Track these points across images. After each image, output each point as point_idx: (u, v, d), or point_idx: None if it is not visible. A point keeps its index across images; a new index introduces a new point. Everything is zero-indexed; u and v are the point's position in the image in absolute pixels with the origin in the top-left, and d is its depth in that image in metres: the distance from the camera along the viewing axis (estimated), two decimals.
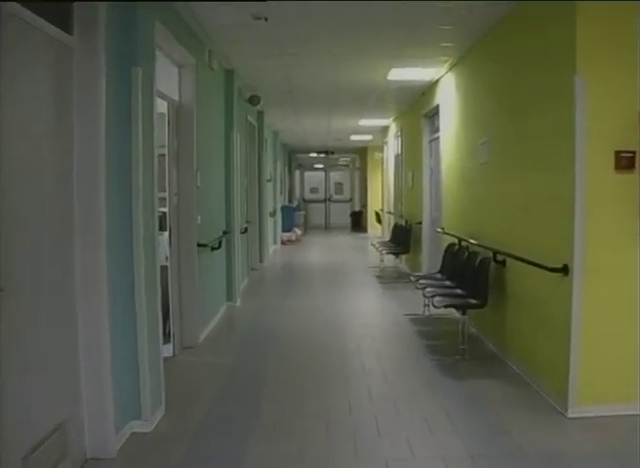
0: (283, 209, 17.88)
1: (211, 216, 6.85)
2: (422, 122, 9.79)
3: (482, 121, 6.41)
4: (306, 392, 4.78)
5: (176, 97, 5.81)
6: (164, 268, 5.45)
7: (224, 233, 7.48)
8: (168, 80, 5.51)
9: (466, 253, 6.47)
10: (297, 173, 25.35)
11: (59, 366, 3.27)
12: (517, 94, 5.24)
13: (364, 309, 8.25)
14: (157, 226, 4.34)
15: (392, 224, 13.22)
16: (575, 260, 4.05)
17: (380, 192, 17.63)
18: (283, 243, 17.00)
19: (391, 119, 13.72)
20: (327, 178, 25.72)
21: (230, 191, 7.88)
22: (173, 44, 5.17)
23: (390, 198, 14.57)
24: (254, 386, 4.93)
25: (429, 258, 9.47)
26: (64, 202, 3.37)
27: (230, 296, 7.97)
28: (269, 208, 13.72)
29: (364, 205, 22.69)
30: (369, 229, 20.89)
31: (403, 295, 8.63)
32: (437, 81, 8.55)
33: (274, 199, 15.35)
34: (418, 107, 10.20)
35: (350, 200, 25.20)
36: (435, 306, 5.66)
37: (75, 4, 3.39)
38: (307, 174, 25.82)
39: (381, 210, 17.27)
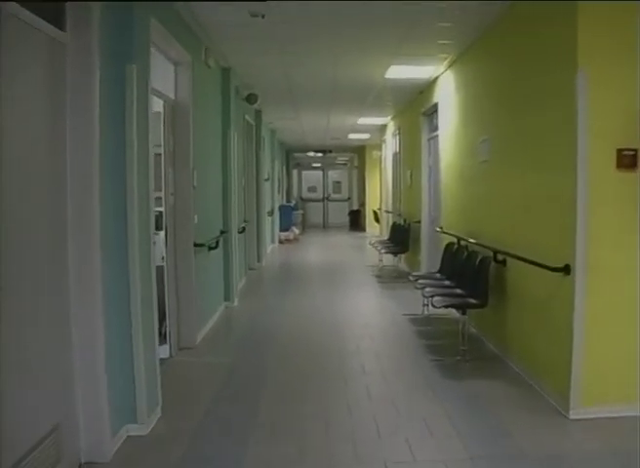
0: (281, 208, 17.85)
1: (208, 216, 6.80)
2: (421, 120, 9.74)
3: (482, 119, 6.36)
4: (305, 392, 4.73)
5: (172, 96, 5.75)
6: (161, 268, 5.41)
7: (222, 233, 7.42)
8: (164, 78, 5.46)
9: (466, 253, 6.42)
10: (295, 172, 25.30)
11: (52, 367, 3.21)
12: (518, 91, 5.18)
13: (363, 309, 8.20)
14: (153, 226, 4.28)
15: (391, 223, 13.17)
16: (577, 260, 3.99)
17: (379, 191, 17.58)
18: (281, 242, 16.96)
19: (389, 117, 13.67)
20: (325, 177, 25.67)
21: (228, 190, 7.82)
22: (169, 41, 5.12)
23: (389, 197, 14.52)
24: (252, 387, 4.88)
25: (428, 258, 9.42)
26: (58, 201, 3.31)
27: (228, 296, 7.91)
28: (267, 207, 13.67)
29: (362, 204, 22.66)
30: (367, 228, 20.85)
31: (402, 295, 8.59)
32: (436, 79, 8.50)
33: (272, 198, 15.30)
34: (416, 105, 10.15)
35: (348, 199, 25.15)
36: (435, 306, 5.61)
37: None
38: (305, 172, 25.77)
39: (380, 209, 17.22)
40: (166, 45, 5.18)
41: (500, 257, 5.40)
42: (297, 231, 18.57)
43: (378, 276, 10.74)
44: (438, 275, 7.06)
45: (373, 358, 5.69)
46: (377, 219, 18.42)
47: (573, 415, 4.04)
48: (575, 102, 3.97)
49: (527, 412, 4.24)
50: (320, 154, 23.33)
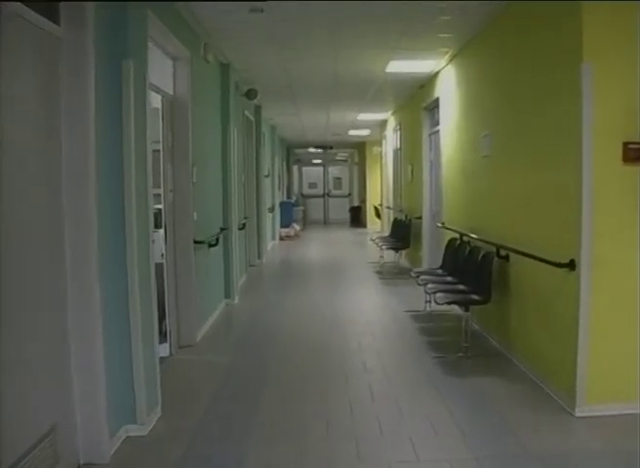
0: (281, 204, 17.79)
1: (207, 213, 6.74)
2: (422, 115, 9.67)
3: (484, 113, 6.29)
4: (306, 391, 4.68)
5: (170, 91, 5.69)
6: (160, 266, 5.35)
7: (222, 229, 7.37)
8: (162, 73, 5.39)
9: (468, 249, 6.36)
10: (295, 168, 25.23)
11: (49, 367, 3.16)
12: (520, 85, 5.11)
13: (364, 306, 8.15)
14: (152, 223, 4.23)
15: (392, 219, 13.11)
16: (582, 255, 3.93)
17: (379, 187, 17.51)
18: (282, 239, 16.91)
19: (390, 113, 13.60)
20: (325, 173, 25.60)
21: (227, 187, 7.76)
22: (167, 36, 5.05)
23: (389, 193, 14.45)
24: (253, 385, 4.82)
25: (430, 254, 9.36)
26: (54, 199, 3.25)
27: (228, 294, 7.85)
28: (268, 203, 13.61)
29: (363, 200, 22.58)
30: (368, 224, 20.78)
31: (403, 291, 8.53)
32: (437, 73, 8.43)
33: (272, 194, 15.25)
34: (417, 100, 10.07)
35: (349, 195, 25.09)
36: (437, 302, 5.55)
37: None
38: (306, 169, 25.70)
39: (380, 204, 17.16)
40: (164, 40, 5.12)
41: (503, 253, 5.34)
42: (297, 228, 18.52)
43: (379, 272, 10.69)
44: (440, 271, 7.00)
45: (374, 355, 5.63)
46: (377, 215, 18.36)
47: (579, 413, 3.99)
48: (579, 96, 3.90)
49: (531, 410, 4.18)
50: (320, 150, 23.24)
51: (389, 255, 11.25)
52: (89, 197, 3.36)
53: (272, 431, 3.94)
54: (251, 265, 10.93)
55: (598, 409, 3.97)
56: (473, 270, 5.88)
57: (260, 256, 11.85)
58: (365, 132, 17.38)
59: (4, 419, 2.67)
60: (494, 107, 5.93)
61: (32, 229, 3.03)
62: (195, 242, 5.90)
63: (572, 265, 4.04)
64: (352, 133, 17.58)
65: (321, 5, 5.34)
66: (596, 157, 3.90)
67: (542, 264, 4.33)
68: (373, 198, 19.97)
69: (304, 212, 22.65)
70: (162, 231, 5.51)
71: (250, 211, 10.76)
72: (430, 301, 6.49)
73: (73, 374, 3.37)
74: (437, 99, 8.50)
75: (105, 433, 3.47)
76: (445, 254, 7.18)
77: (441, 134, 8.26)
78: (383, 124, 15.20)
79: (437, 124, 8.67)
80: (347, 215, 24.05)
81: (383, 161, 15.99)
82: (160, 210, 5.46)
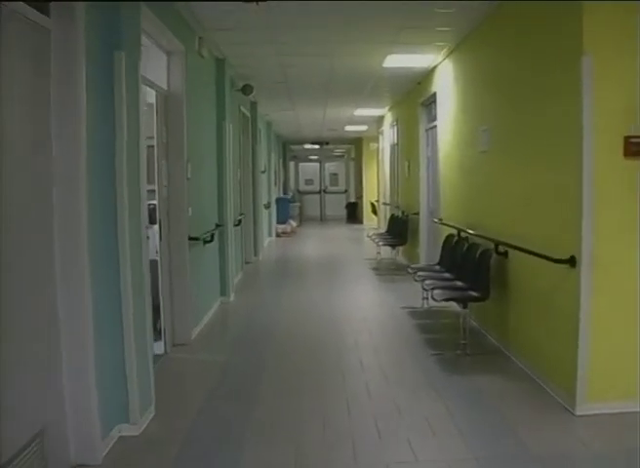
0: (278, 200, 17.73)
1: (203, 209, 6.66)
2: (419, 110, 9.60)
3: (482, 108, 6.22)
4: (303, 390, 4.61)
5: (164, 86, 5.61)
6: (154, 262, 5.28)
7: (217, 226, 7.29)
8: (156, 68, 5.31)
9: (466, 245, 6.30)
10: (291, 164, 25.16)
11: (39, 366, 3.08)
12: (519, 79, 5.05)
13: (361, 302, 8.09)
14: (146, 219, 4.15)
15: (388, 215, 13.05)
16: (583, 251, 3.87)
17: (376, 183, 17.45)
18: (278, 235, 16.85)
19: (387, 108, 13.53)
20: (322, 170, 25.55)
21: (223, 183, 7.68)
22: (161, 30, 4.98)
23: (386, 189, 14.39)
24: (248, 384, 4.75)
25: (427, 250, 9.30)
26: (43, 196, 3.17)
27: (224, 291, 7.77)
28: (264, 200, 13.55)
29: (359, 196, 22.54)
30: (365, 220, 20.75)
31: (400, 288, 8.47)
32: (434, 68, 8.36)
33: (269, 191, 15.18)
34: (414, 96, 10.01)
35: (346, 191, 25.05)
36: (435, 299, 5.49)
37: None
38: (302, 165, 25.65)
39: (377, 201, 17.10)
40: (158, 34, 5.05)
41: (501, 249, 5.28)
42: (294, 224, 18.46)
43: (375, 269, 10.63)
44: (438, 267, 6.94)
45: (371, 353, 5.57)
46: (374, 212, 18.31)
47: (579, 412, 3.93)
48: (579, 91, 3.84)
49: (531, 409, 4.13)
50: (317, 146, 23.17)
51: (386, 252, 11.20)
52: (79, 194, 3.28)
53: (268, 430, 3.88)
54: (247, 262, 10.86)
55: (598, 407, 3.91)
56: (471, 267, 5.82)
57: (256, 253, 11.79)
58: (362, 127, 17.32)
59: None
60: (492, 102, 5.86)
61: (20, 228, 2.94)
62: (190, 238, 5.82)
63: (572, 262, 3.98)
64: (349, 128, 17.51)
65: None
66: (597, 152, 3.84)
67: (542, 261, 4.26)
68: (369, 194, 19.92)
69: (301, 208, 22.60)
70: (157, 227, 5.43)
71: (246, 207, 10.68)
72: (428, 298, 6.44)
73: (64, 374, 3.29)
74: (434, 95, 8.43)
75: (98, 433, 3.40)
76: (443, 251, 7.12)
77: (438, 129, 8.20)
78: (380, 119, 15.13)
79: (434, 119, 8.61)
80: (344, 212, 24.00)
81: (380, 157, 15.92)
82: (155, 205, 5.38)
